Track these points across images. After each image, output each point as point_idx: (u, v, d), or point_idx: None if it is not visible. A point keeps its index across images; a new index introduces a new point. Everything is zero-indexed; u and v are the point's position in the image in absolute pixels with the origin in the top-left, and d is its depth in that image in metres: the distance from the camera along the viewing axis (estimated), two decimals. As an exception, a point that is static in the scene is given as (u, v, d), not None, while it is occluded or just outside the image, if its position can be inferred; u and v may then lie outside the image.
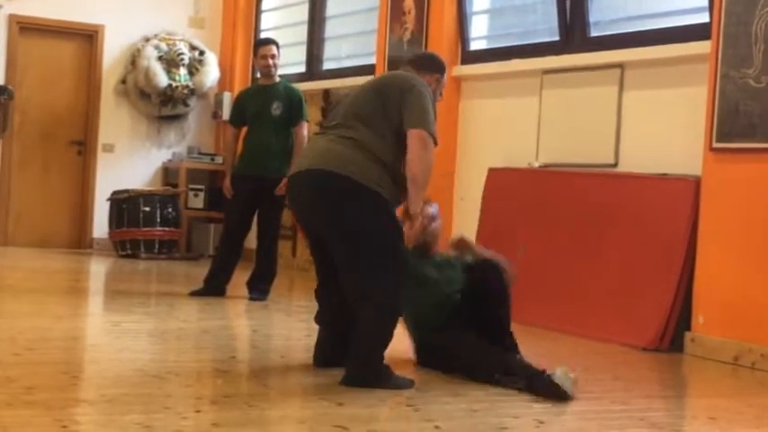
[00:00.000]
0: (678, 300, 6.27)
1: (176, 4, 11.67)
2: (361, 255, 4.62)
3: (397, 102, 4.70)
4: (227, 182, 7.89)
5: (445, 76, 5.11)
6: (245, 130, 7.89)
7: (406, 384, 4.64)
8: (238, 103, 8.10)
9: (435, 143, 4.70)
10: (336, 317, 4.95)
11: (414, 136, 4.62)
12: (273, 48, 7.86)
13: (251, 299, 7.57)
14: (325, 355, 4.98)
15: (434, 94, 4.94)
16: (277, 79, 7.86)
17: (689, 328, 6.21)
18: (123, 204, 10.71)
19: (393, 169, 4.67)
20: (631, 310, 6.46)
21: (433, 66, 5.10)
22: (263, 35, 11.16)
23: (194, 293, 7.64)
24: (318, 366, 4.96)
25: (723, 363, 5.90)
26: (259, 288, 7.66)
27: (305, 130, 7.71)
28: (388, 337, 4.67)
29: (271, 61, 7.80)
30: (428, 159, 4.65)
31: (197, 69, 11.43)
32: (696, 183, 6.27)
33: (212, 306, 7.21)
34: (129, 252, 10.73)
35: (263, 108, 7.70)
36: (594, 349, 6.22)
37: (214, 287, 7.68)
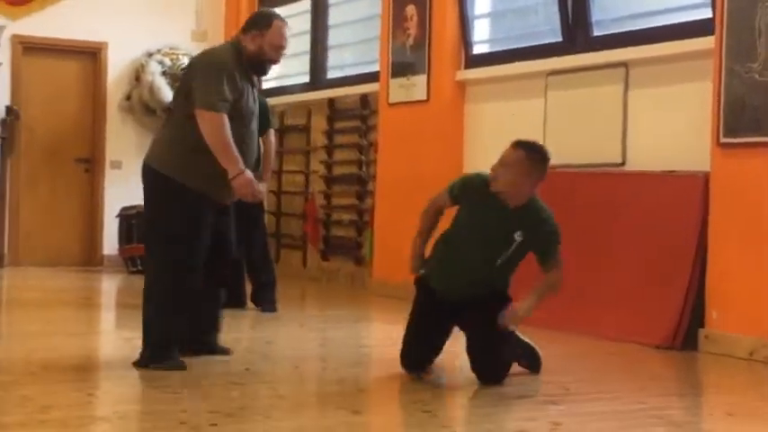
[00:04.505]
0: (690, 296, 6.25)
1: (178, 19, 11.68)
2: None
3: (189, 85, 4.99)
4: None
5: (271, 28, 5.21)
6: None
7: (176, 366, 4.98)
8: None
9: (212, 108, 4.89)
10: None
11: (197, 116, 4.91)
12: None
13: (263, 310, 7.56)
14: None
15: (261, 50, 5.14)
16: None
17: (702, 325, 6.19)
18: (132, 220, 10.71)
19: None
20: (644, 308, 6.45)
21: (249, 23, 5.27)
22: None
23: None
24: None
25: (738, 358, 5.87)
26: (266, 299, 7.64)
27: (272, 137, 7.68)
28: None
29: None
30: (212, 132, 4.89)
31: (201, 83, 11.43)
32: (705, 178, 6.25)
33: (224, 319, 7.20)
34: (140, 268, 10.70)
35: None
36: (608, 349, 6.20)
37: (235, 299, 7.72)
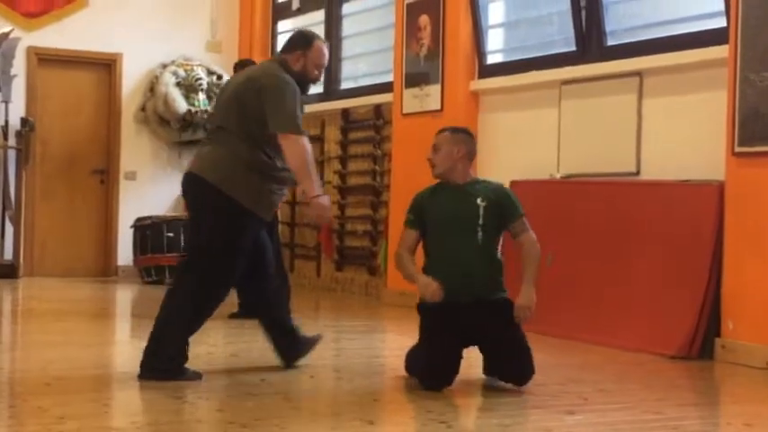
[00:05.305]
0: (706, 306, 6.23)
1: (193, 30, 11.73)
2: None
3: (255, 104, 5.00)
4: None
5: (312, 48, 5.25)
6: None
7: (193, 377, 4.98)
8: None
9: (298, 131, 4.99)
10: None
11: (281, 139, 4.96)
12: None
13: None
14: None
15: (305, 69, 5.22)
16: None
17: (719, 335, 6.17)
18: (147, 231, 10.73)
19: (262, 164, 5.00)
20: (660, 318, 6.43)
21: (291, 44, 5.30)
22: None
23: (232, 316, 7.71)
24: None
25: (755, 368, 5.84)
26: None
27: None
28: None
29: None
30: (300, 154, 4.96)
31: (215, 94, 11.46)
32: (720, 188, 6.24)
33: (240, 330, 7.21)
34: (155, 278, 10.75)
35: None
36: (624, 359, 6.18)
37: (248, 309, 7.72)
